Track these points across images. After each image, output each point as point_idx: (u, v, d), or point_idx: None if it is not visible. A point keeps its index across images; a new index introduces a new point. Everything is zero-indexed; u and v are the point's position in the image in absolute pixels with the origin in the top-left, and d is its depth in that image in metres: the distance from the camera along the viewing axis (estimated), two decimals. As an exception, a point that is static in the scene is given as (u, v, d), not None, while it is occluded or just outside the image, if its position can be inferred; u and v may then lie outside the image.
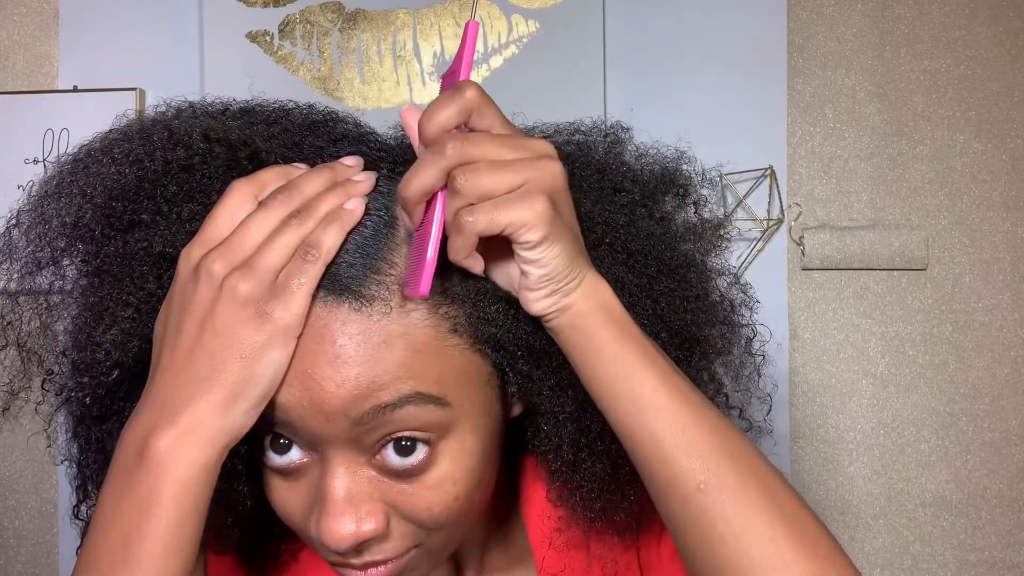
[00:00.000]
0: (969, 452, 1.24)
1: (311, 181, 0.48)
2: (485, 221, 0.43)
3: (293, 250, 0.45)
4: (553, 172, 0.45)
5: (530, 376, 0.51)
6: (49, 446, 0.59)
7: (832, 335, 1.25)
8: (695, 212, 0.64)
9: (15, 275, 0.52)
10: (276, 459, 0.49)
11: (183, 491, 0.43)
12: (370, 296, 0.46)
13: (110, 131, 0.53)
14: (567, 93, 1.24)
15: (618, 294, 0.49)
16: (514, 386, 0.52)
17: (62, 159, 0.53)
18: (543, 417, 0.52)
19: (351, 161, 0.50)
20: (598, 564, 0.61)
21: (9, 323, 0.54)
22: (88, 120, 1.10)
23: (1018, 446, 1.24)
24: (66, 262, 0.52)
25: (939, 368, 1.24)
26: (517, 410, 0.55)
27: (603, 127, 0.63)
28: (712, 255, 0.62)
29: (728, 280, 0.62)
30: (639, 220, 0.56)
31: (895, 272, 1.25)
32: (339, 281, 0.46)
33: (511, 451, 0.59)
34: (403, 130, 0.58)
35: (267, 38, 1.27)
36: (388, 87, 1.27)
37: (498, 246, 0.47)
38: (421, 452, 0.48)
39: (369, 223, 0.48)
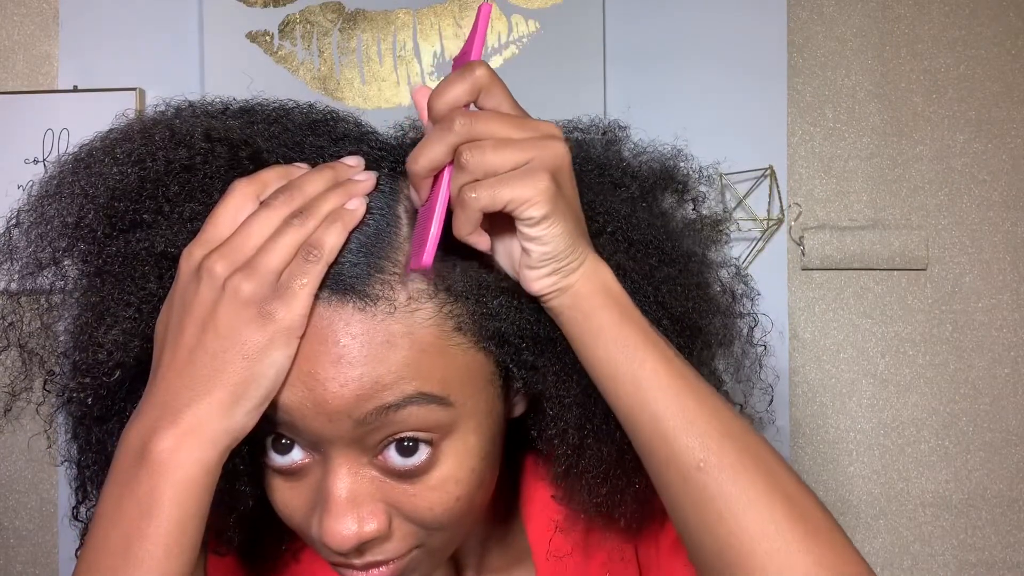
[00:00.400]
0: (969, 452, 1.24)
1: (313, 181, 0.48)
2: (488, 197, 0.44)
3: (295, 250, 0.45)
4: (558, 152, 0.45)
5: (535, 366, 0.51)
6: (49, 447, 0.59)
7: (832, 335, 1.25)
8: (693, 209, 0.64)
9: (16, 275, 0.52)
10: (278, 459, 0.49)
11: (184, 492, 0.43)
12: (374, 295, 0.46)
13: (110, 131, 0.53)
14: (567, 93, 1.24)
15: (620, 281, 0.49)
16: (519, 381, 0.52)
17: (62, 159, 0.53)
18: (549, 402, 0.52)
19: (352, 161, 0.50)
20: (597, 564, 0.61)
21: (11, 324, 0.54)
22: (88, 120, 1.09)
23: (1018, 446, 1.24)
24: (67, 262, 0.52)
25: (939, 368, 1.24)
26: (518, 410, 0.55)
27: (601, 125, 0.63)
28: (712, 250, 0.62)
29: (729, 271, 0.62)
30: (639, 212, 0.56)
31: (895, 272, 1.25)
32: (343, 281, 0.46)
33: (511, 451, 0.59)
34: (403, 130, 0.58)
35: (267, 38, 1.27)
36: (388, 87, 1.27)
37: (502, 226, 0.47)
38: (423, 452, 0.48)
39: (371, 222, 0.48)
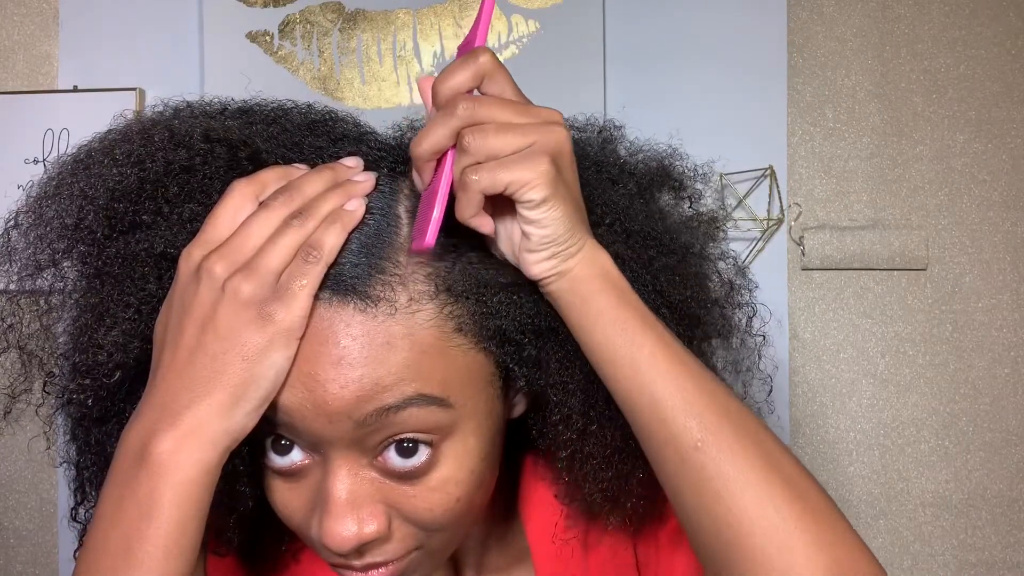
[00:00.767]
0: (969, 452, 1.24)
1: (312, 182, 0.48)
2: (488, 179, 0.44)
3: (294, 251, 0.45)
4: (559, 137, 0.46)
5: (537, 360, 0.51)
6: (49, 448, 0.59)
7: (832, 335, 1.25)
8: (690, 206, 0.64)
9: (15, 277, 0.52)
10: (277, 460, 0.49)
11: (184, 493, 0.43)
12: (375, 296, 0.46)
13: (109, 132, 0.53)
14: (567, 93, 1.24)
15: (619, 270, 0.49)
16: (521, 379, 0.52)
17: (61, 160, 0.53)
18: (552, 388, 0.52)
19: (352, 162, 0.50)
20: (596, 564, 0.61)
21: (10, 326, 0.54)
22: (88, 120, 1.09)
23: (1018, 446, 1.24)
24: (66, 263, 0.52)
25: (939, 368, 1.24)
26: (518, 410, 0.55)
27: (597, 124, 0.64)
28: (710, 246, 0.63)
29: (728, 264, 0.62)
30: (636, 205, 0.56)
31: (895, 272, 1.25)
32: (343, 281, 0.46)
33: (511, 451, 0.59)
34: (402, 130, 0.58)
35: (267, 38, 1.26)
36: (388, 87, 1.27)
37: (503, 210, 0.47)
38: (423, 454, 0.48)
39: (371, 223, 0.48)
